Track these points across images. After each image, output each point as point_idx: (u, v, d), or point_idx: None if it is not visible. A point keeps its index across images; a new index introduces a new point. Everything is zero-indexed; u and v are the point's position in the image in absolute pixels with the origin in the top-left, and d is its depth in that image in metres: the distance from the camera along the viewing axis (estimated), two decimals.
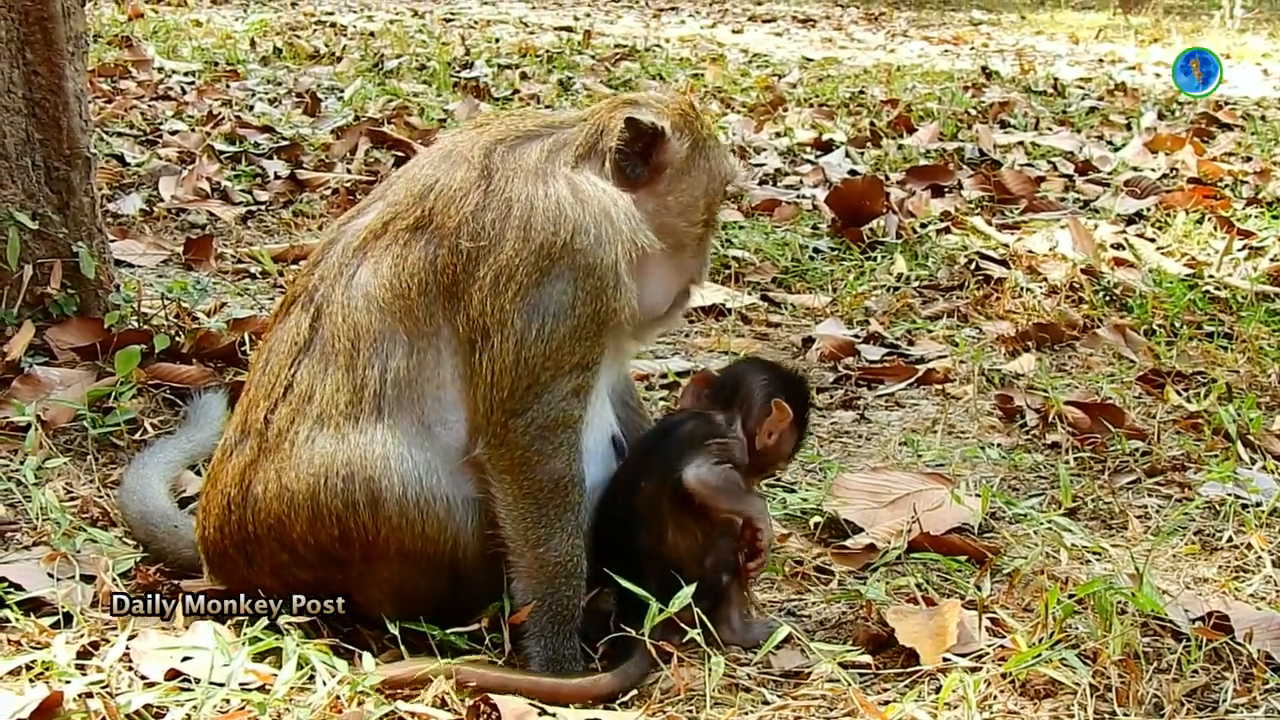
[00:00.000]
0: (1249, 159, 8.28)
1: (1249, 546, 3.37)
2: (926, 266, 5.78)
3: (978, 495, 3.53)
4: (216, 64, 10.35)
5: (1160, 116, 10.13)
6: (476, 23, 15.40)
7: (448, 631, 2.71)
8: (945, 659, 2.73)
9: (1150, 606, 2.91)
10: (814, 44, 15.82)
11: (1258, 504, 3.59)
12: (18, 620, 2.70)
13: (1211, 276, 5.56)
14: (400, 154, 7.08)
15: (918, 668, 2.72)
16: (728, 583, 2.85)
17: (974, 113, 9.88)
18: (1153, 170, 7.67)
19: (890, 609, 2.93)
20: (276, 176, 6.66)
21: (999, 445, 4.02)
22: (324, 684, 2.50)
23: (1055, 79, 12.23)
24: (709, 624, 2.69)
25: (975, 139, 8.49)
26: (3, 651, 2.61)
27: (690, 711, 2.58)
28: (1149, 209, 6.68)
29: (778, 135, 8.66)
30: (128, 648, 2.62)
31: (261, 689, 2.49)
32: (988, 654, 2.76)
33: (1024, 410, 4.23)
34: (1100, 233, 6.08)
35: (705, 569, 2.78)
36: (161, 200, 6.14)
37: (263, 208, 6.27)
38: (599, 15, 17.68)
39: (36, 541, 3.10)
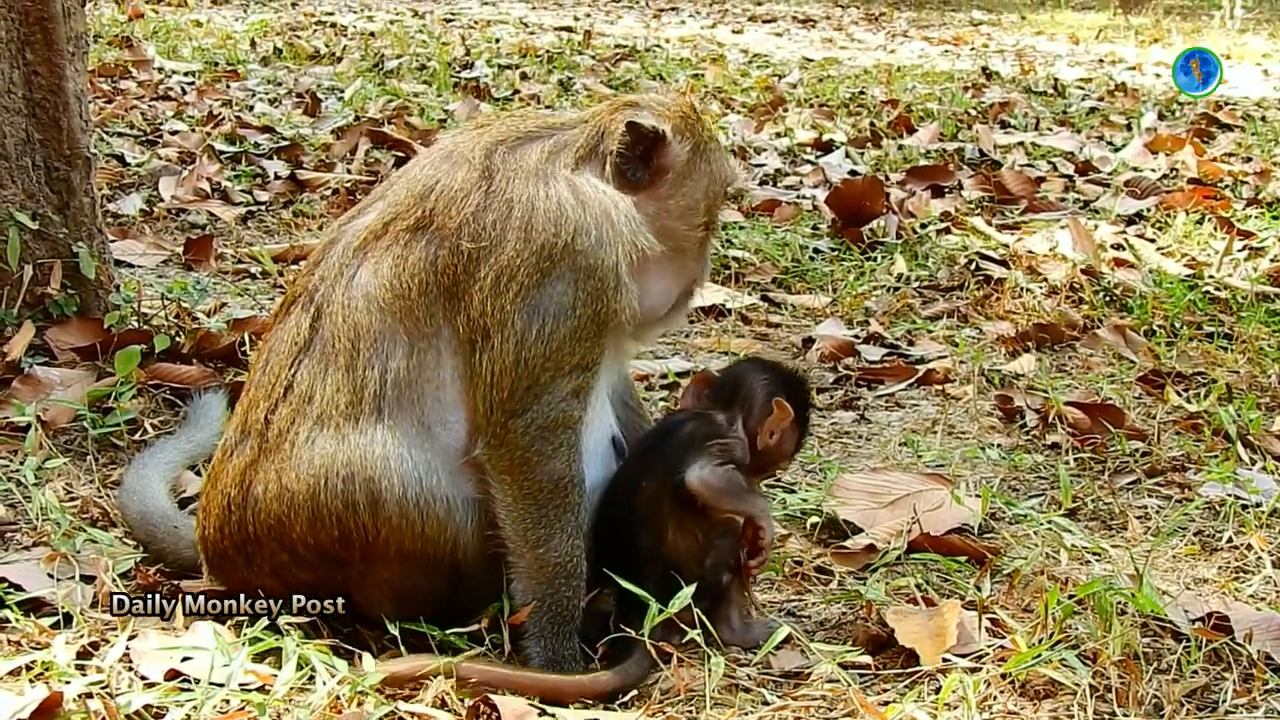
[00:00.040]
0: (1249, 159, 8.28)
1: (1249, 547, 3.37)
2: (926, 267, 5.77)
3: (978, 496, 3.53)
4: (217, 64, 10.34)
5: (1160, 117, 10.12)
6: (477, 23, 15.40)
7: (448, 632, 2.71)
8: (945, 659, 2.73)
9: (1150, 607, 2.91)
10: (814, 44, 15.82)
11: (1258, 504, 3.58)
12: (18, 620, 2.70)
13: (1211, 277, 5.56)
14: (400, 154, 7.08)
15: (918, 668, 2.72)
16: (728, 583, 2.85)
17: (974, 113, 9.87)
18: (1153, 171, 7.67)
19: (890, 609, 2.93)
20: (276, 177, 6.66)
21: (999, 446, 4.01)
22: (324, 684, 2.50)
23: (1055, 79, 12.23)
24: (709, 624, 2.69)
25: (975, 139, 8.49)
26: (3, 652, 2.61)
27: (690, 712, 2.58)
28: (1149, 209, 6.67)
29: (778, 136, 8.66)
30: (128, 648, 2.62)
31: (261, 689, 2.49)
32: (987, 654, 2.76)
33: (1024, 411, 4.23)
34: (1100, 233, 6.08)
35: (705, 569, 2.78)
36: (161, 200, 6.14)
37: (263, 208, 6.27)
38: (599, 15, 17.68)
39: (36, 542, 3.10)
